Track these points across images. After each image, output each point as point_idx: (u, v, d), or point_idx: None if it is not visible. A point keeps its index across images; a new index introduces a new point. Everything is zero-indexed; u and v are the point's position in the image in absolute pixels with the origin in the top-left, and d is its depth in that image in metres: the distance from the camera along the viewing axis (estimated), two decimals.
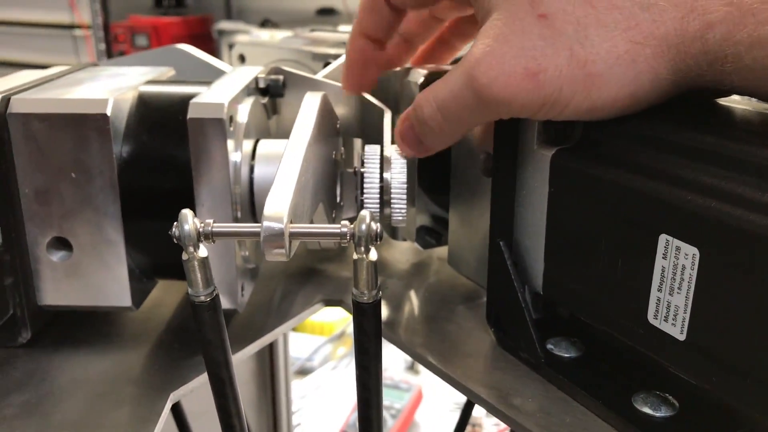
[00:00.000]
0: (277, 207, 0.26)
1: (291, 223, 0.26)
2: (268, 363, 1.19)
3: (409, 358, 1.77)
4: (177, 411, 0.58)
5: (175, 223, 0.25)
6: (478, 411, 1.52)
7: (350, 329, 1.89)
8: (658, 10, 0.29)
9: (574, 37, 0.30)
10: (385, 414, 1.51)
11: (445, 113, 0.35)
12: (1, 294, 0.38)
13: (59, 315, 0.42)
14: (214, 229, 0.25)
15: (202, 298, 0.27)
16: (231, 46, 0.65)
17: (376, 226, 0.25)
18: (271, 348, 1.18)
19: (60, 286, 0.39)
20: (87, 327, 0.42)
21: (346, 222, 0.25)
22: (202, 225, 0.25)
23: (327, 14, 2.61)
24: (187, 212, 0.25)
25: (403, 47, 0.46)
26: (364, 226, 0.24)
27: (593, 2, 0.30)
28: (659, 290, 0.30)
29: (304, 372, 1.74)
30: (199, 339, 0.28)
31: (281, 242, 0.26)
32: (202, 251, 0.26)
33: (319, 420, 1.55)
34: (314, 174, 0.34)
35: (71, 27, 2.80)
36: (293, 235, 0.26)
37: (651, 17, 0.29)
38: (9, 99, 0.36)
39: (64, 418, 0.34)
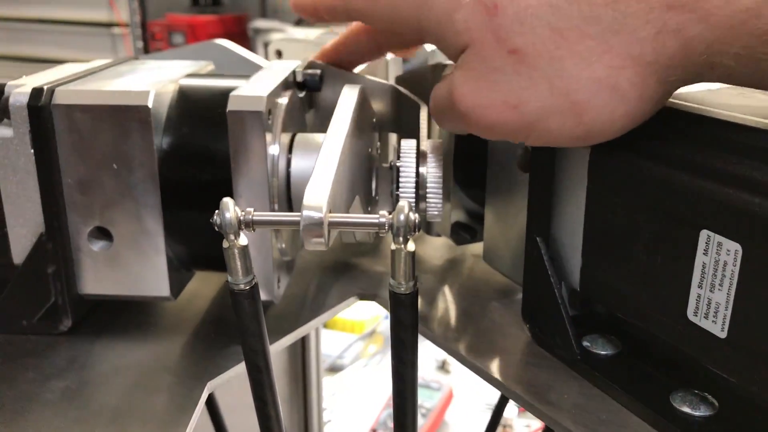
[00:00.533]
0: (317, 197, 0.26)
1: (330, 212, 0.26)
2: (300, 359, 1.20)
3: (440, 358, 1.76)
4: (211, 403, 0.59)
5: (216, 211, 0.25)
6: (509, 412, 1.51)
7: (381, 327, 1.90)
8: (630, 31, 0.28)
9: (550, 69, 0.29)
10: None
11: (440, 116, 0.36)
12: (44, 282, 0.39)
13: (100, 304, 0.43)
14: (254, 218, 0.25)
15: (242, 287, 0.27)
16: (266, 45, 0.65)
17: (414, 217, 0.25)
18: (303, 344, 1.19)
19: (100, 275, 0.40)
20: (126, 316, 0.43)
21: (385, 212, 0.25)
22: (243, 213, 0.25)
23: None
24: (228, 200, 0.25)
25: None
26: (402, 216, 0.24)
27: (564, 33, 0.29)
28: (700, 286, 0.30)
29: (335, 369, 1.75)
30: (237, 327, 0.28)
31: (320, 231, 0.26)
32: (243, 240, 0.26)
33: (349, 417, 1.56)
34: (351, 167, 0.34)
35: (110, 25, 2.84)
36: (332, 225, 0.26)
37: (624, 39, 0.28)
38: (53, 90, 0.37)
39: (103, 404, 0.35)
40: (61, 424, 0.33)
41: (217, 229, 0.25)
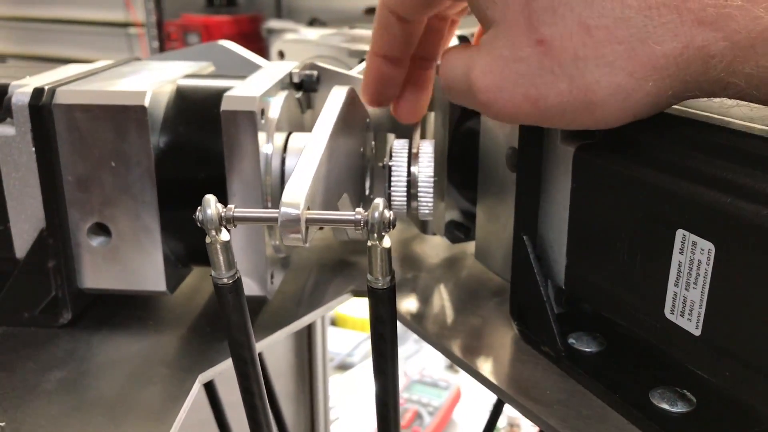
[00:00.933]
0: (295, 194, 0.27)
1: (308, 210, 0.27)
2: (307, 356, 1.21)
3: None
4: (211, 392, 0.60)
5: (198, 208, 0.26)
6: (516, 412, 1.51)
7: None
8: (658, 42, 0.28)
9: (573, 67, 0.29)
10: (423, 411, 1.51)
11: (451, 89, 0.35)
12: (44, 276, 0.40)
13: (98, 298, 0.44)
14: (235, 214, 0.26)
15: (225, 281, 0.28)
16: (281, 53, 0.66)
17: (389, 214, 0.26)
18: (309, 341, 1.20)
19: (99, 270, 0.41)
20: (124, 310, 0.44)
21: (361, 210, 0.26)
22: (224, 210, 0.26)
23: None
24: (209, 197, 0.26)
25: (419, 63, 0.45)
26: (377, 214, 0.25)
27: (591, 31, 0.29)
28: (676, 285, 0.31)
29: (344, 367, 1.76)
30: (222, 321, 0.29)
31: (298, 227, 0.27)
32: (225, 235, 0.27)
33: (357, 415, 1.57)
34: (338, 165, 0.35)
35: (126, 25, 2.87)
36: (309, 221, 0.27)
37: (650, 50, 0.28)
38: (54, 90, 0.38)
39: (99, 394, 0.36)
40: (57, 412, 0.35)
41: (199, 225, 0.26)
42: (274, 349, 1.12)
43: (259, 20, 2.83)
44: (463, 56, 0.34)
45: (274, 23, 2.53)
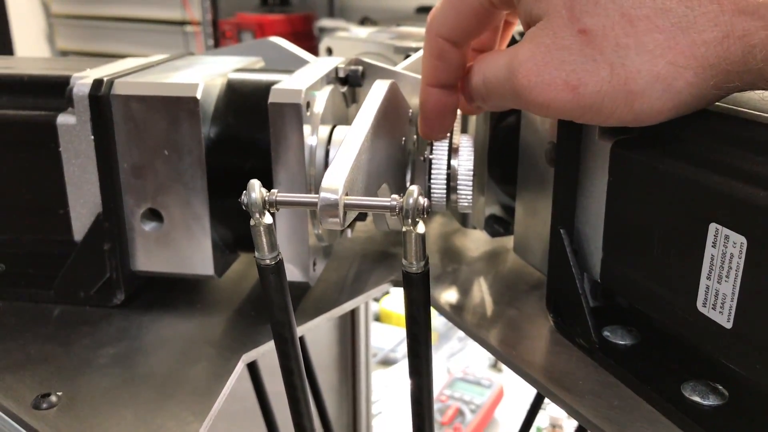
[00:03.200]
0: (334, 180, 0.29)
1: (347, 195, 0.29)
2: (350, 350, 1.22)
3: (492, 356, 1.77)
4: (253, 370, 0.62)
5: (244, 192, 0.28)
6: (559, 412, 1.50)
7: (435, 323, 1.91)
8: (698, 30, 0.28)
9: (614, 55, 0.30)
10: (465, 408, 1.52)
11: (490, 90, 0.36)
12: (100, 258, 0.42)
13: (150, 281, 0.46)
14: (278, 198, 0.28)
15: (268, 262, 0.29)
16: (329, 50, 0.67)
17: (423, 200, 0.27)
18: (352, 335, 1.22)
19: (151, 253, 0.43)
20: (174, 293, 0.46)
21: (396, 196, 0.27)
22: (268, 194, 0.28)
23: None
24: (254, 182, 0.28)
25: None
26: (411, 200, 0.26)
27: (633, 21, 0.29)
28: (708, 278, 0.31)
29: (387, 363, 1.77)
30: (265, 301, 0.31)
31: (336, 212, 0.28)
32: (268, 218, 0.28)
33: (400, 410, 1.58)
34: (378, 155, 0.36)
35: (182, 23, 2.94)
36: (347, 206, 0.28)
37: (691, 39, 0.29)
38: (113, 82, 0.41)
39: (149, 370, 0.38)
40: (110, 385, 0.37)
41: (244, 208, 0.28)
42: (317, 341, 1.14)
43: (311, 19, 2.86)
44: (504, 52, 0.35)
45: (325, 22, 2.56)
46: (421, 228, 0.27)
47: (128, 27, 3.05)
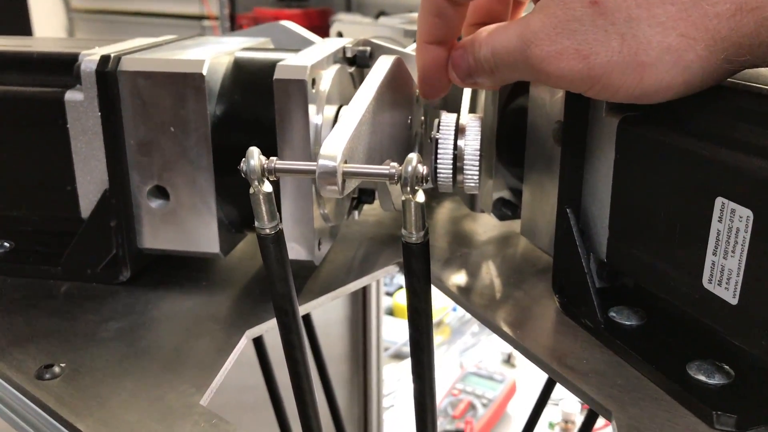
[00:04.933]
0: (333, 147, 0.29)
1: (345, 163, 0.28)
2: (361, 344, 1.22)
3: (505, 351, 1.76)
4: (260, 349, 0.62)
5: (243, 159, 0.28)
6: (572, 407, 1.50)
7: (448, 318, 1.91)
8: (710, 3, 0.28)
9: (626, 27, 0.30)
10: (477, 402, 1.51)
11: (498, 62, 0.36)
12: (106, 235, 0.43)
13: (156, 259, 0.46)
14: (276, 166, 0.28)
15: (267, 231, 0.29)
16: (339, 34, 0.67)
17: (422, 168, 0.26)
18: (364, 329, 1.22)
19: (157, 231, 0.43)
20: (179, 271, 0.46)
21: (394, 163, 0.27)
22: (267, 161, 0.28)
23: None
24: (253, 149, 0.28)
25: None
26: (410, 168, 0.26)
27: None
28: (714, 254, 0.31)
29: (399, 356, 1.77)
30: (265, 271, 0.31)
31: (334, 179, 0.28)
32: (267, 186, 0.28)
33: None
34: (381, 130, 0.36)
35: (200, 18, 2.96)
36: (346, 174, 0.28)
37: (702, 11, 0.28)
38: (120, 58, 0.41)
39: (153, 344, 0.38)
40: (114, 358, 0.37)
41: (243, 176, 0.28)
42: (329, 333, 1.14)
43: (328, 14, 2.87)
44: (514, 23, 0.35)
45: (342, 16, 2.56)
46: (420, 197, 0.27)
47: (147, 21, 3.07)
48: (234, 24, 2.88)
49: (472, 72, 0.38)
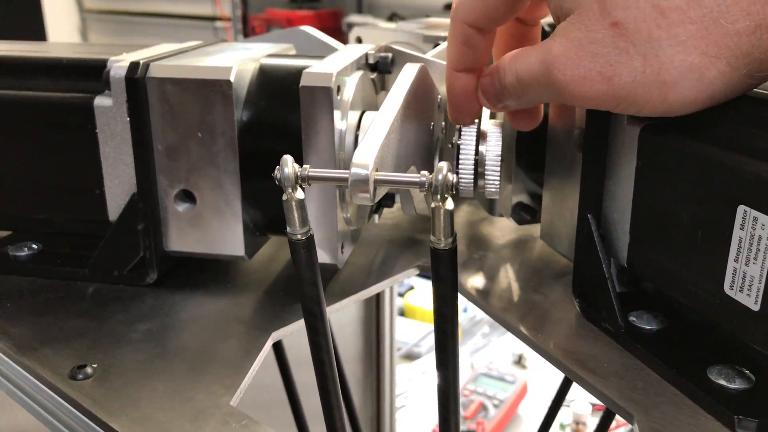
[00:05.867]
0: (365, 156, 0.29)
1: (376, 171, 0.29)
2: (375, 344, 1.23)
3: (516, 352, 1.77)
4: (279, 350, 0.63)
5: (277, 167, 0.29)
6: (583, 409, 1.50)
7: (459, 319, 1.91)
8: (730, 21, 0.29)
9: (647, 47, 0.30)
10: (488, 403, 1.52)
11: (524, 87, 0.36)
12: (134, 237, 0.43)
13: (182, 261, 0.47)
14: (309, 173, 0.28)
15: (299, 237, 0.30)
16: (358, 38, 0.68)
17: (452, 177, 0.27)
18: (377, 329, 1.22)
19: (184, 234, 0.44)
20: (206, 273, 0.47)
21: (425, 172, 0.28)
22: (300, 169, 0.29)
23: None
24: (287, 157, 0.28)
25: None
26: (440, 176, 0.27)
27: (665, 12, 0.30)
28: (736, 261, 0.31)
29: (411, 357, 1.78)
30: (295, 275, 0.31)
31: (366, 187, 0.28)
32: (300, 193, 0.29)
33: (423, 403, 1.58)
34: (407, 137, 0.37)
35: (213, 19, 2.97)
36: (377, 182, 0.29)
37: (722, 29, 0.29)
38: (148, 65, 0.42)
39: (181, 345, 0.39)
40: (143, 358, 0.38)
41: (277, 183, 0.29)
42: (344, 333, 1.15)
43: (340, 15, 2.88)
44: (535, 48, 0.35)
45: (354, 18, 2.57)
46: (449, 204, 0.27)
47: (159, 22, 3.09)
48: (246, 25, 2.90)
49: (501, 97, 0.39)
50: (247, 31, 2.92)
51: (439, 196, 0.27)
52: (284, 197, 0.29)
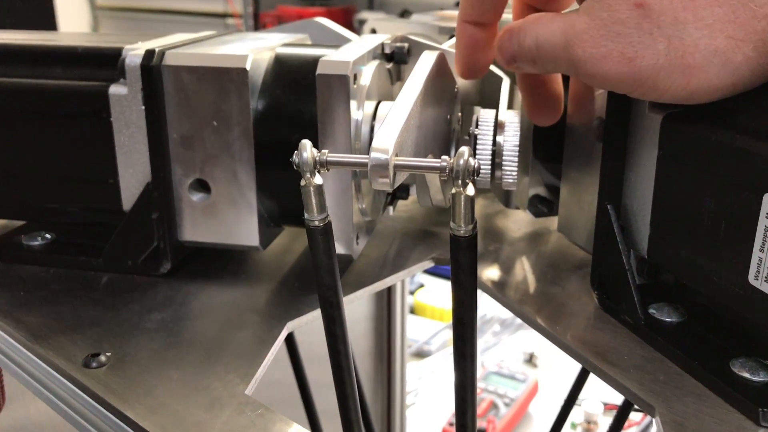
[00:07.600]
0: (385, 141, 0.29)
1: (396, 156, 0.29)
2: (386, 341, 1.23)
3: (527, 351, 1.76)
4: (291, 346, 0.62)
5: (295, 152, 0.28)
6: (594, 408, 1.49)
7: None
8: (758, 4, 0.28)
9: (672, 29, 0.30)
10: (499, 402, 1.51)
11: (542, 53, 0.35)
12: (148, 227, 0.43)
13: (196, 251, 0.47)
14: (328, 158, 0.28)
15: (316, 223, 0.30)
16: (373, 31, 0.68)
17: (473, 162, 0.27)
18: (388, 327, 1.22)
19: (198, 224, 0.44)
20: (220, 263, 0.47)
21: (446, 157, 0.27)
22: (319, 154, 0.28)
23: None
24: (306, 142, 0.28)
25: None
26: (462, 161, 0.26)
27: None
28: (761, 250, 0.30)
29: (421, 355, 1.77)
30: (312, 263, 0.31)
31: (386, 172, 0.28)
32: (318, 179, 0.29)
33: (433, 401, 1.58)
34: (425, 125, 0.36)
35: (224, 16, 2.97)
36: (397, 167, 0.28)
37: (750, 13, 0.28)
38: (164, 53, 0.41)
39: (195, 334, 0.39)
40: (157, 347, 0.37)
41: (295, 168, 0.28)
42: (355, 330, 1.15)
43: (351, 12, 2.87)
44: (560, 17, 0.34)
45: (365, 14, 2.56)
46: (470, 190, 0.27)
47: (171, 19, 3.09)
48: (258, 22, 2.89)
49: (516, 57, 0.38)
50: (258, 28, 2.92)
51: (460, 182, 0.27)
52: (302, 182, 0.29)
